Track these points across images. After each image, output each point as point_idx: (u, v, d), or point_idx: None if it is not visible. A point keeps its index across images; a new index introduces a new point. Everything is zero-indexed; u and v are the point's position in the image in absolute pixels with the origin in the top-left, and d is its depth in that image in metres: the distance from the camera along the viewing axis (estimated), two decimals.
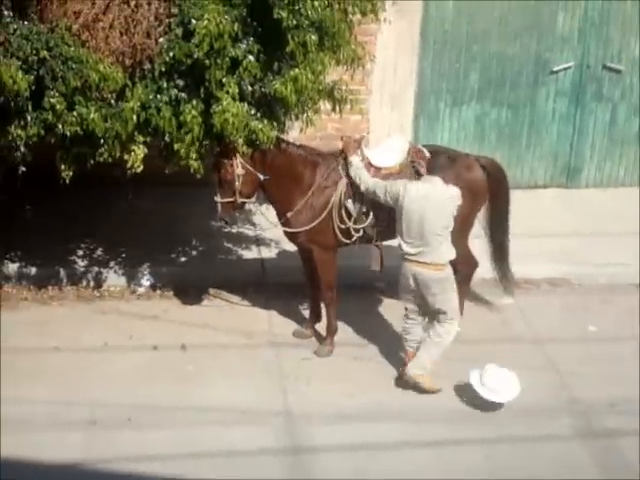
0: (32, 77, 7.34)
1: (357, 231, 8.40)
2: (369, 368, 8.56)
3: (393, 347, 8.72)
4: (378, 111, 10.76)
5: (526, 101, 11.11)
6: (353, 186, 8.29)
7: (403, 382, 8.27)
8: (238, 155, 8.04)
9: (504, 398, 7.99)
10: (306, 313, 9.10)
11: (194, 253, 9.92)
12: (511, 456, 7.69)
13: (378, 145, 8.90)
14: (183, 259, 9.83)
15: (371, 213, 8.37)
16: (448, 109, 11.04)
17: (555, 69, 10.99)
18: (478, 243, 8.94)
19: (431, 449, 7.72)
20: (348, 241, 8.48)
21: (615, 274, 9.90)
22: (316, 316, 8.95)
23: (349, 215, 8.36)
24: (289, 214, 8.39)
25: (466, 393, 8.18)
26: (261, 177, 8.20)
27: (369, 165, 8.38)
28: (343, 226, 8.38)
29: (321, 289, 8.69)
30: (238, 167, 8.09)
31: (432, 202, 7.83)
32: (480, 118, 11.11)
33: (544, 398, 8.27)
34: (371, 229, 8.41)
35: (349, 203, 8.34)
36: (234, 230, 10.26)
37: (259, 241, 10.10)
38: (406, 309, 8.24)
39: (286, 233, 8.60)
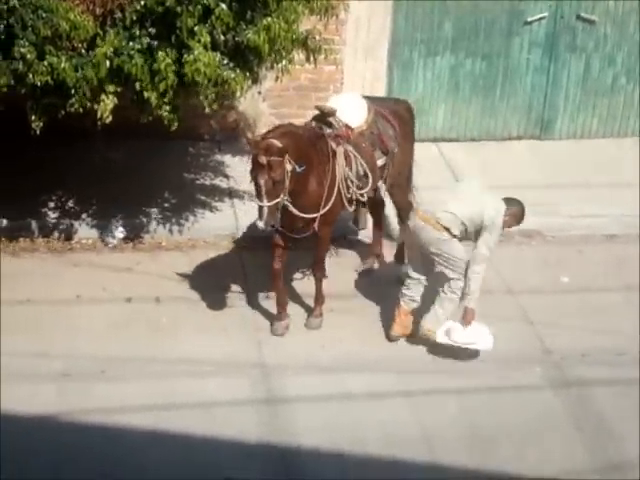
0: (2, 26, 7.25)
1: (362, 196, 8.22)
2: (344, 320, 8.55)
3: (368, 299, 8.75)
4: (352, 62, 10.66)
5: (500, 52, 11.04)
6: (348, 152, 8.12)
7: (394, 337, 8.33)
8: (288, 151, 7.44)
9: (481, 346, 8.06)
10: None
11: (166, 205, 9.85)
12: (485, 406, 7.75)
13: (336, 102, 8.48)
14: (155, 211, 9.76)
15: (369, 174, 8.22)
16: (422, 60, 10.96)
17: (529, 19, 10.92)
18: None
19: (405, 399, 7.76)
20: (351, 209, 8.31)
21: (588, 226, 9.93)
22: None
23: (352, 182, 8.14)
24: (316, 203, 7.95)
25: (440, 344, 8.21)
26: (297, 169, 7.56)
27: (347, 128, 8.23)
28: (349, 195, 8.17)
29: (315, 264, 8.45)
30: (287, 163, 7.47)
31: (482, 196, 8.06)
32: (454, 69, 11.05)
33: (517, 348, 8.32)
34: (372, 191, 8.30)
35: (349, 170, 8.11)
36: (207, 182, 10.20)
37: (232, 193, 10.04)
38: (410, 265, 8.24)
39: (297, 223, 8.04)
